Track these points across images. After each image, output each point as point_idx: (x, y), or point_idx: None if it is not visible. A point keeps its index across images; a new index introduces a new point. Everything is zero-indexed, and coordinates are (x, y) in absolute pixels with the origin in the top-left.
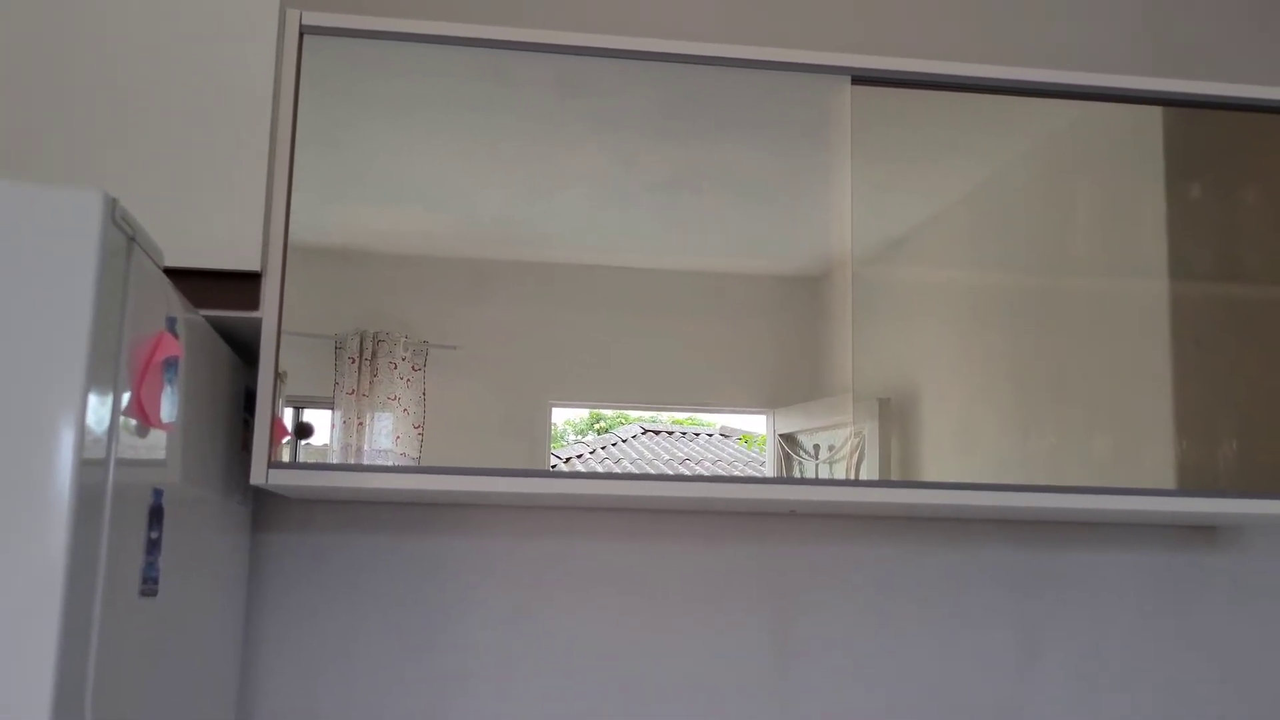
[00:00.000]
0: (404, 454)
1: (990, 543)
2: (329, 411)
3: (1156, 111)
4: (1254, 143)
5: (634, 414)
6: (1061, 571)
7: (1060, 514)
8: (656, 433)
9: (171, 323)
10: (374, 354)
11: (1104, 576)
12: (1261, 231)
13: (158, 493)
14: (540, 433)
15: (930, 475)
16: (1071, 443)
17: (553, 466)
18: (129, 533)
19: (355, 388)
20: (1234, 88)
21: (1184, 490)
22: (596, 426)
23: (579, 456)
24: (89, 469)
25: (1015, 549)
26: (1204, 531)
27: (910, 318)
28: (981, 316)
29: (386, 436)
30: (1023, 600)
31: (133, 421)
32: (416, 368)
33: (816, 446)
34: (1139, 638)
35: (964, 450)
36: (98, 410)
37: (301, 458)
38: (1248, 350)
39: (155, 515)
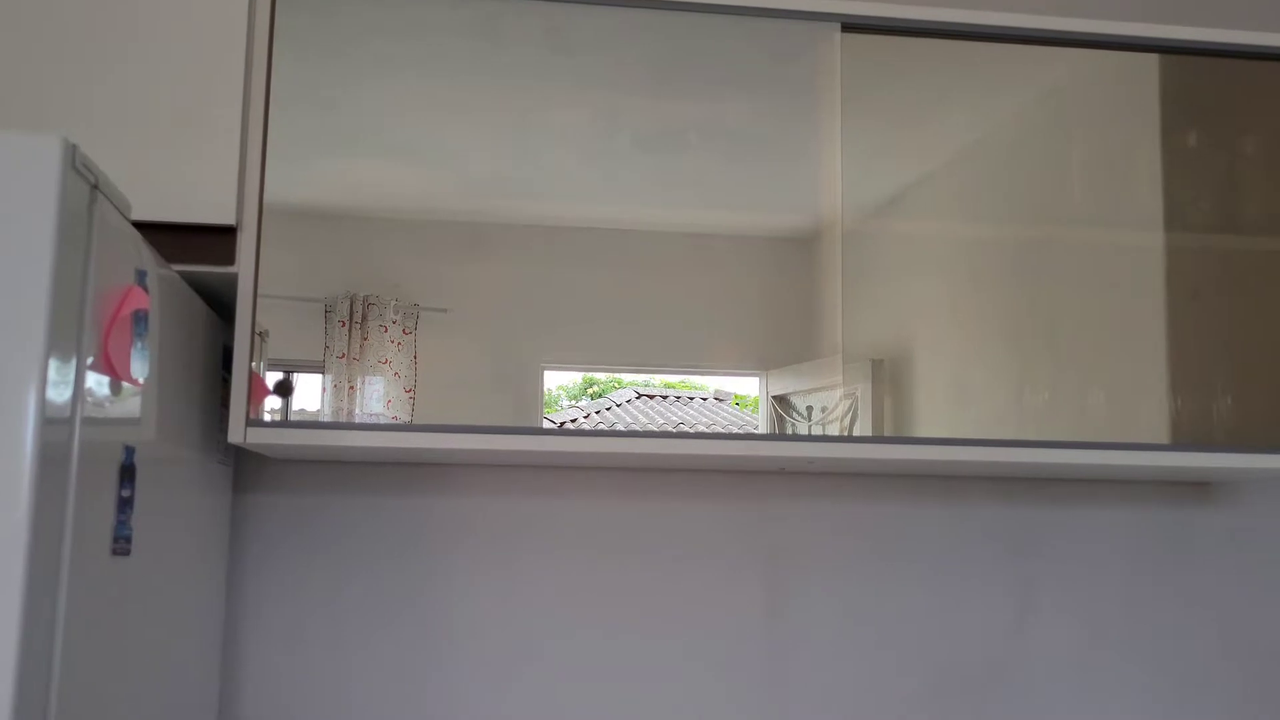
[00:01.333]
0: (395, 417)
1: (983, 500)
2: (319, 376)
3: (1153, 60)
4: (1252, 91)
5: (627, 378)
6: (1055, 528)
7: (1054, 470)
8: (650, 397)
9: (141, 276)
10: (364, 317)
11: (1098, 533)
12: (1258, 182)
13: (129, 450)
14: (532, 395)
15: (924, 434)
16: (1065, 398)
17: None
18: (99, 491)
19: (346, 351)
20: (1232, 34)
21: (1178, 445)
22: (590, 391)
23: (573, 421)
24: (52, 426)
25: (1009, 506)
26: (1199, 487)
27: (903, 275)
28: (975, 272)
29: (378, 400)
30: (1016, 557)
31: (104, 379)
32: (407, 331)
33: (810, 408)
34: (1133, 594)
35: (958, 408)
36: (61, 366)
37: (291, 418)
38: (1243, 303)
39: (126, 473)
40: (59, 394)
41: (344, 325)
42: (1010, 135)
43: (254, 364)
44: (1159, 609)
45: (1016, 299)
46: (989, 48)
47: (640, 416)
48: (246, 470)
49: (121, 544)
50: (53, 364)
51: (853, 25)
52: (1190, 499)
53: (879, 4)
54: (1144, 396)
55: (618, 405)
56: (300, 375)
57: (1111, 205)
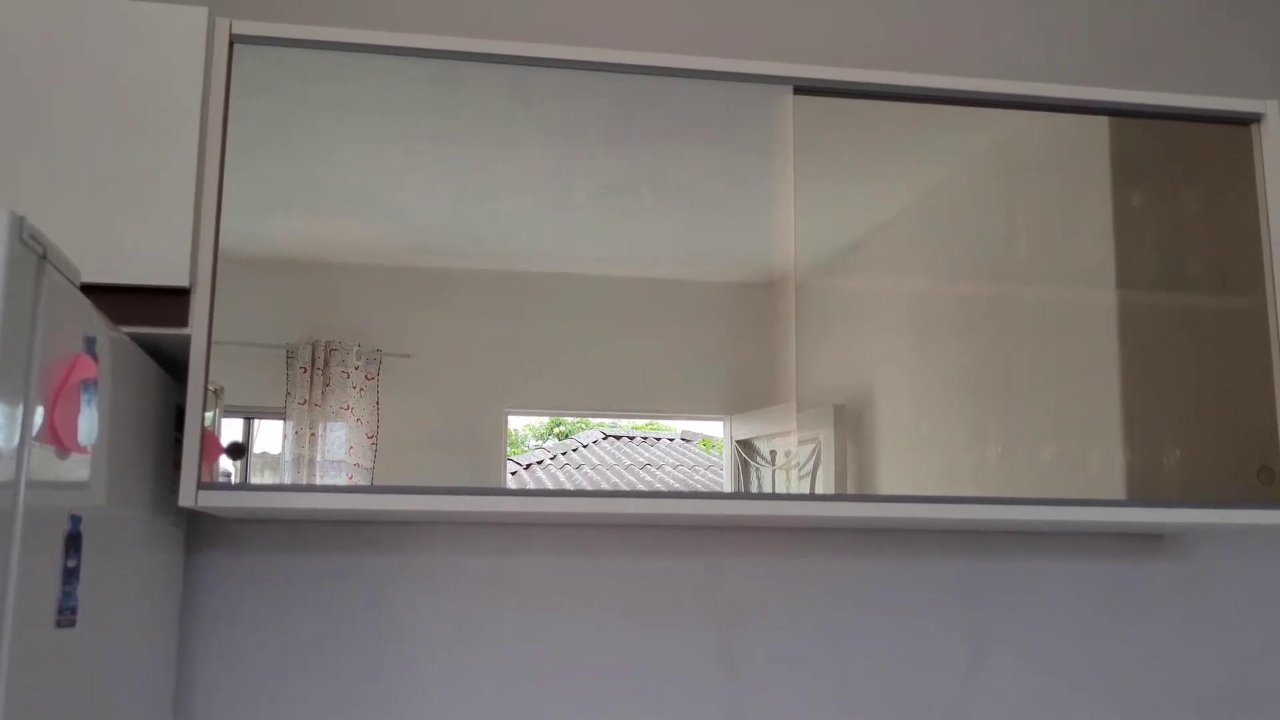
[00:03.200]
0: (358, 464)
1: (938, 551)
2: (280, 422)
3: (1103, 119)
4: (1197, 151)
5: (595, 419)
6: (1009, 579)
7: (1009, 524)
8: (618, 438)
9: (90, 343)
10: (326, 363)
11: (1051, 584)
12: (1204, 240)
13: (75, 519)
14: (496, 441)
15: (885, 480)
16: (1021, 450)
17: (512, 473)
18: (42, 561)
19: (308, 397)
20: (1176, 98)
21: (1131, 500)
22: (557, 431)
23: (539, 462)
24: None
25: (963, 557)
26: (1151, 539)
27: (862, 324)
28: (931, 323)
29: (340, 447)
30: (971, 609)
31: (48, 446)
32: (370, 377)
33: (773, 452)
34: (1086, 645)
35: (917, 456)
36: (5, 436)
37: (252, 470)
38: (1192, 358)
39: (73, 543)
40: (2, 464)
41: (305, 371)
42: (964, 190)
43: (209, 419)
44: (1111, 660)
45: (973, 349)
46: (938, 106)
47: (606, 457)
48: (199, 530)
49: (66, 615)
50: None
51: (804, 88)
52: (1142, 551)
53: (829, 68)
54: (1097, 449)
55: (584, 446)
56: (261, 421)
57: (1063, 260)
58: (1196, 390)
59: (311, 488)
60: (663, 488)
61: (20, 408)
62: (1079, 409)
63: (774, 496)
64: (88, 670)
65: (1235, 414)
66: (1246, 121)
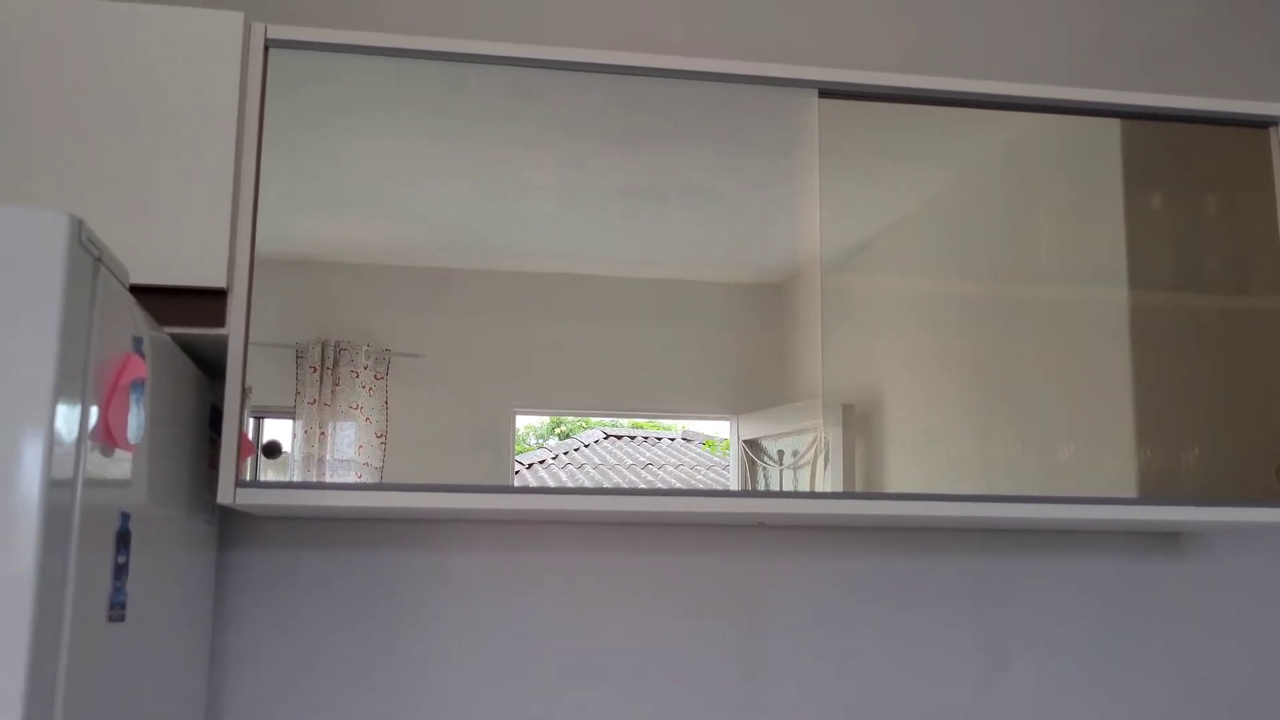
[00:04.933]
0: (367, 463)
1: (954, 551)
2: (290, 421)
3: (1114, 122)
4: (1212, 154)
5: (595, 419)
6: (1026, 579)
7: (1023, 522)
8: (619, 437)
9: (138, 343)
10: (335, 363)
11: (1068, 584)
12: (1219, 241)
13: (125, 516)
14: (504, 440)
15: (894, 480)
16: (1034, 450)
17: (516, 473)
18: (97, 557)
19: (317, 397)
20: (1190, 100)
21: (1146, 499)
22: (558, 431)
23: (541, 462)
24: (56, 492)
25: (979, 557)
26: (1168, 538)
27: (873, 324)
28: (944, 323)
29: (349, 446)
30: (988, 608)
31: (99, 444)
32: (379, 376)
33: (780, 452)
34: (1103, 645)
35: (927, 456)
36: (65, 433)
37: (264, 474)
38: (1207, 358)
39: (123, 539)
40: (63, 460)
41: (315, 371)
42: (979, 191)
43: (241, 422)
44: (1128, 660)
45: (985, 350)
46: (956, 109)
47: (608, 457)
48: (229, 528)
49: (118, 610)
50: (58, 431)
51: (829, 91)
52: (1159, 549)
53: (854, 71)
54: (1111, 449)
55: (586, 446)
56: (271, 420)
57: (1078, 261)
58: (1214, 390)
59: (349, 485)
60: (665, 488)
61: (79, 407)
62: (1091, 409)
63: (781, 494)
64: (135, 664)
65: (1253, 413)
66: (1263, 125)
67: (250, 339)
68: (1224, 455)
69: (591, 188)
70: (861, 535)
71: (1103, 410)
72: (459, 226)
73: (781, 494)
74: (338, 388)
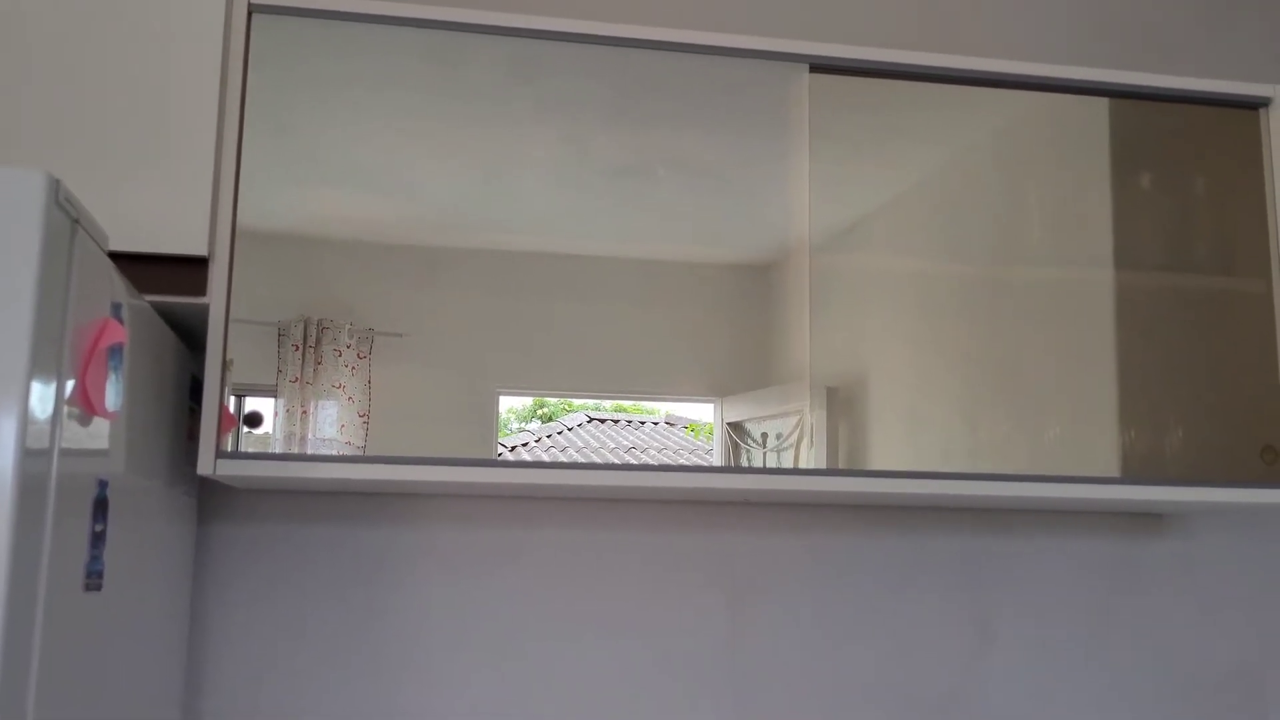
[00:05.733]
0: (349, 442)
1: (940, 530)
2: (272, 399)
3: (1103, 102)
4: (1201, 135)
5: (578, 401)
6: (1011, 558)
7: (1008, 501)
8: (602, 420)
9: (117, 308)
10: (318, 341)
11: (1053, 563)
12: (1206, 222)
13: (102, 484)
14: (487, 421)
15: (878, 464)
16: (1019, 431)
17: (498, 454)
18: (73, 526)
19: (299, 375)
20: (1181, 80)
21: (1129, 478)
22: (540, 413)
23: (524, 445)
24: (32, 459)
25: (965, 536)
26: (1151, 518)
27: (858, 305)
28: (930, 304)
29: (331, 425)
30: (973, 587)
31: (76, 411)
32: (362, 355)
33: (764, 435)
34: (1088, 623)
35: (911, 438)
36: (41, 398)
37: (245, 447)
38: (1197, 340)
39: (100, 507)
40: (38, 426)
41: (297, 349)
42: (967, 171)
43: (222, 392)
44: (1113, 638)
45: (971, 331)
46: (947, 87)
47: (591, 440)
48: (210, 500)
49: (94, 579)
50: (33, 396)
51: (820, 66)
52: (1143, 530)
53: (846, 46)
54: (1096, 430)
55: (569, 429)
56: (254, 399)
57: (1064, 241)
58: (1201, 372)
59: (328, 457)
60: (650, 464)
61: (56, 372)
62: (1077, 391)
63: (765, 470)
64: (112, 634)
65: (1240, 395)
66: (1255, 106)
67: (232, 315)
68: (1212, 438)
69: (580, 166)
70: (848, 514)
71: (1089, 391)
72: (444, 204)
73: (765, 470)
74: (320, 366)
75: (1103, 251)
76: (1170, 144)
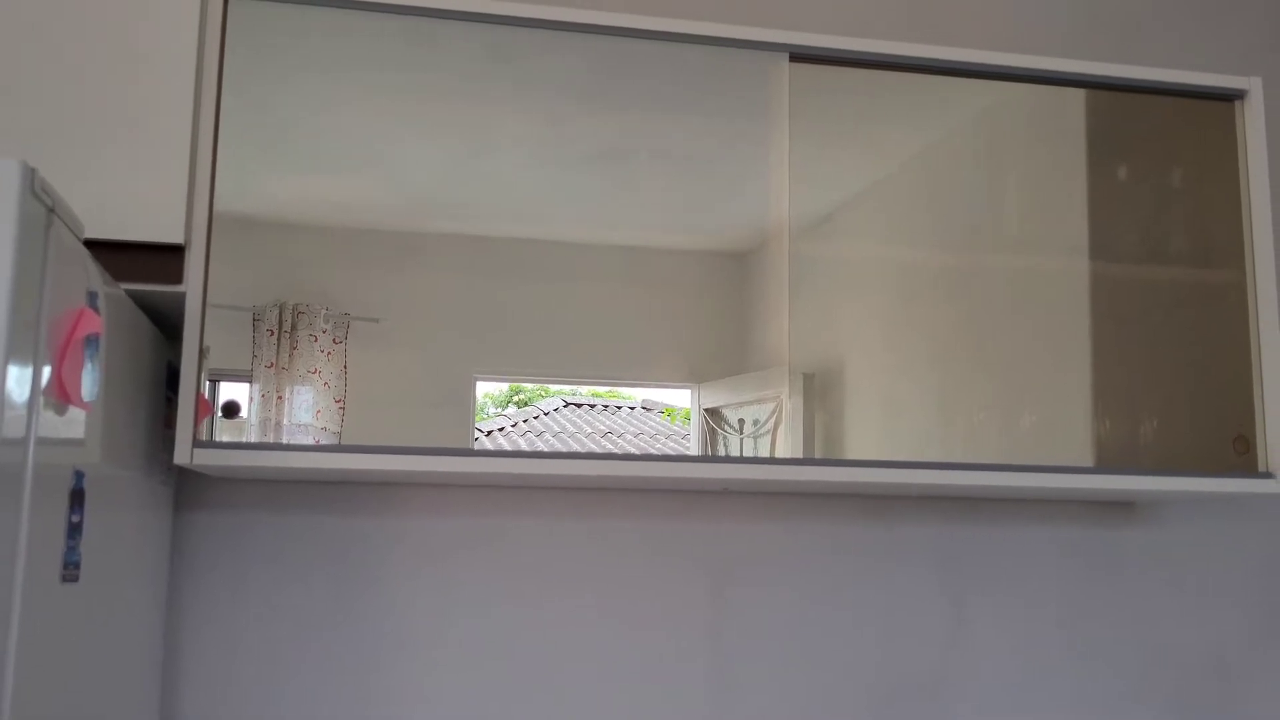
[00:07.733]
0: (324, 428)
1: (917, 517)
2: (247, 385)
3: (1079, 93)
4: (1177, 127)
5: (554, 387)
6: (987, 544)
7: (982, 490)
8: (578, 405)
9: (92, 297)
10: (294, 326)
11: (1028, 550)
12: (1181, 214)
13: (79, 474)
14: (464, 406)
15: (853, 451)
16: (994, 419)
17: (475, 440)
18: (50, 517)
19: (274, 361)
20: (1158, 72)
21: (1102, 468)
22: (516, 399)
23: (500, 430)
24: (8, 449)
25: (942, 523)
26: (1124, 507)
27: (836, 292)
28: (906, 292)
29: (307, 411)
30: (950, 572)
31: (52, 401)
32: (338, 340)
33: (741, 421)
34: (1063, 609)
35: (888, 424)
36: (17, 388)
37: (220, 435)
38: (1171, 330)
39: (76, 498)
40: (14, 416)
41: (273, 334)
42: (943, 160)
43: (199, 381)
44: (1088, 624)
45: (946, 319)
46: (926, 76)
47: (568, 425)
48: (185, 489)
49: (71, 570)
50: (9, 386)
51: (800, 55)
52: (1116, 518)
53: (825, 35)
54: (1070, 419)
55: (545, 414)
56: (228, 384)
57: (1040, 231)
58: (1174, 362)
59: (305, 446)
60: (626, 453)
61: (31, 362)
62: (1052, 380)
63: (742, 460)
64: (88, 625)
65: (1213, 386)
66: (1230, 98)
67: (208, 300)
68: (1185, 427)
69: (558, 151)
70: (826, 502)
71: (1064, 380)
72: (421, 189)
73: (742, 459)
74: (295, 351)
75: (1079, 242)
76: (1146, 135)
